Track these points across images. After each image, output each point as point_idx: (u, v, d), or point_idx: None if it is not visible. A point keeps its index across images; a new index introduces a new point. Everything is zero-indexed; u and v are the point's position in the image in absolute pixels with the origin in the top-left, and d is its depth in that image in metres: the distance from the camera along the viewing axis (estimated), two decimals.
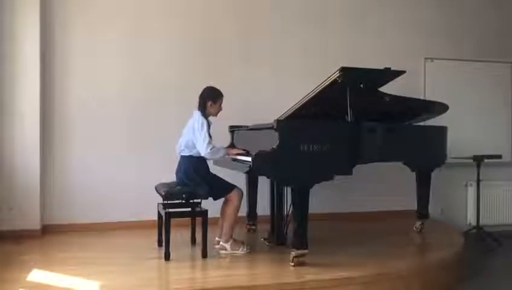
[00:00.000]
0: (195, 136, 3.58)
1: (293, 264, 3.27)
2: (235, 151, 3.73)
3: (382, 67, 3.56)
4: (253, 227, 4.51)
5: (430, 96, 4.96)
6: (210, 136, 3.59)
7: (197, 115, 3.67)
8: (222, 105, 3.77)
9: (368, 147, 3.44)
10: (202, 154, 3.57)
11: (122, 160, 4.68)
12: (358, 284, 3.09)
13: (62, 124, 4.59)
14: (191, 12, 4.89)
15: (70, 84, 4.61)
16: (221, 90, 3.76)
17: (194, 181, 3.61)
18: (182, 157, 3.72)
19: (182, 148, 3.71)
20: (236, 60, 4.97)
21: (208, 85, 3.77)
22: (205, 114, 3.69)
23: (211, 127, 3.71)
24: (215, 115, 3.77)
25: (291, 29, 5.12)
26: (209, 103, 3.70)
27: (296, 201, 3.26)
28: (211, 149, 3.52)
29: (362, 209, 5.20)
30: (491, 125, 5.57)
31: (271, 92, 4.96)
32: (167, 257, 3.44)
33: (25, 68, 4.34)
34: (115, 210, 4.60)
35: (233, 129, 4.49)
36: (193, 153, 3.64)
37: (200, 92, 3.74)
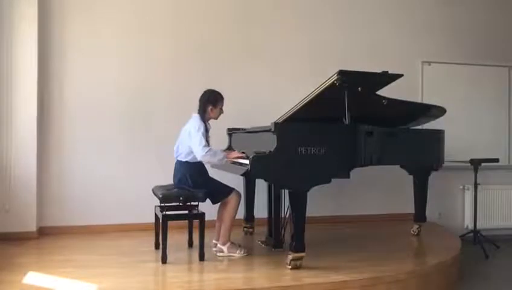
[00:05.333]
0: (191, 140, 3.56)
1: (290, 267, 3.26)
2: (234, 155, 3.67)
3: (380, 71, 3.57)
4: (251, 230, 4.50)
5: (427, 100, 4.97)
6: (207, 141, 3.57)
7: (195, 118, 3.65)
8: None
9: (365, 150, 3.44)
10: (198, 158, 3.55)
11: (120, 162, 4.67)
12: (355, 288, 3.08)
13: (59, 126, 4.58)
14: (189, 14, 4.89)
15: (67, 86, 4.59)
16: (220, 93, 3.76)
17: (190, 187, 3.59)
18: (179, 162, 3.70)
19: (179, 153, 3.69)
20: (235, 63, 4.96)
21: (208, 88, 3.75)
22: (204, 118, 3.67)
23: (210, 132, 3.70)
24: (216, 118, 3.76)
25: (289, 32, 5.13)
26: (209, 108, 3.68)
27: (293, 204, 3.26)
28: (207, 152, 3.49)
29: (359, 213, 5.20)
30: (488, 129, 5.58)
31: (269, 95, 4.97)
32: (164, 259, 3.43)
33: (22, 69, 4.33)
34: (112, 212, 4.58)
35: (231, 132, 4.49)
36: (189, 159, 3.62)
37: (199, 95, 3.73)
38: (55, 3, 4.58)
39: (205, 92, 3.73)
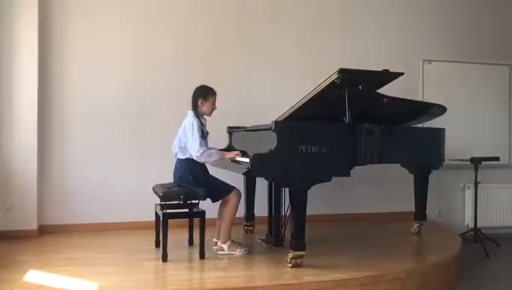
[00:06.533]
0: (186, 138, 3.56)
1: (290, 265, 3.27)
2: (230, 155, 3.65)
3: (380, 69, 3.57)
4: (251, 228, 4.51)
5: (427, 98, 4.97)
6: (203, 137, 3.56)
7: (189, 115, 3.64)
8: (218, 104, 3.73)
9: (366, 148, 3.44)
10: (193, 158, 3.54)
11: (120, 161, 4.67)
12: (355, 286, 3.08)
13: (60, 125, 4.58)
14: (189, 14, 4.88)
15: (68, 86, 4.60)
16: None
17: (191, 185, 3.59)
18: (178, 160, 3.69)
19: (176, 151, 3.69)
20: (235, 61, 4.96)
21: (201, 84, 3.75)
22: (197, 113, 3.66)
23: (206, 126, 3.69)
24: (209, 114, 3.73)
25: (289, 30, 5.12)
26: (199, 101, 3.65)
27: (294, 202, 3.26)
28: (202, 153, 3.49)
29: (360, 211, 5.21)
30: (489, 128, 5.58)
31: (270, 93, 4.97)
32: (164, 258, 3.43)
33: (23, 70, 4.33)
34: (112, 211, 4.59)
35: (231, 130, 4.48)
36: (188, 156, 3.61)
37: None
38: (55, 6, 4.57)
39: (196, 87, 3.71)
